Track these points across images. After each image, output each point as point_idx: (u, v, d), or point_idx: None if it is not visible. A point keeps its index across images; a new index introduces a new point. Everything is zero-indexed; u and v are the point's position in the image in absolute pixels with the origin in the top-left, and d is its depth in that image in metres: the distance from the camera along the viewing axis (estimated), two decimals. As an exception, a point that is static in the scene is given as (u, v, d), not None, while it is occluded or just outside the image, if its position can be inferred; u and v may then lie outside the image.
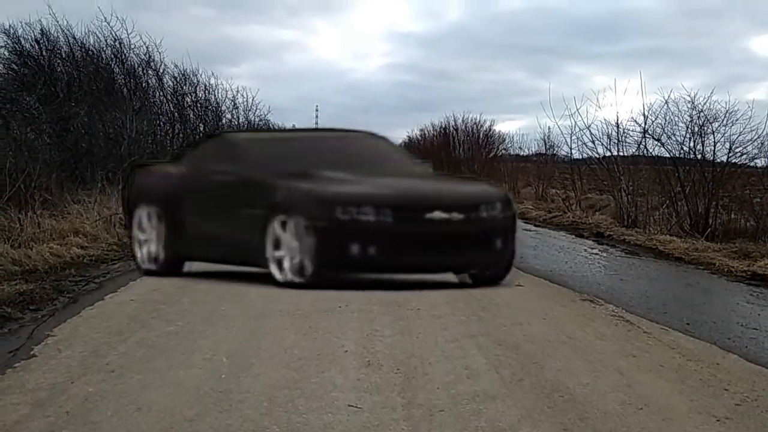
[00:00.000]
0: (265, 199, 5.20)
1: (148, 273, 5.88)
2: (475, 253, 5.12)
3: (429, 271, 5.32)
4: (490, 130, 25.34)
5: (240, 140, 6.51)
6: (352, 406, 2.66)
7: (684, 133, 11.28)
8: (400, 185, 5.39)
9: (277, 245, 5.07)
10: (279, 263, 5.10)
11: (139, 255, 6.07)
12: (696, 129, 11.12)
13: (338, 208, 4.90)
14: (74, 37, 12.75)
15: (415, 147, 34.47)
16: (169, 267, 5.87)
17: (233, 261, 5.65)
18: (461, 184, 6.47)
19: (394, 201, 5.01)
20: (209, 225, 5.60)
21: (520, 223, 6.87)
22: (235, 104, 18.43)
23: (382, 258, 4.94)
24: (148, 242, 5.99)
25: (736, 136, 10.70)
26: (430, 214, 4.91)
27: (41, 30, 12.33)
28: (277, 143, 6.35)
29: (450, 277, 5.37)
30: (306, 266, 4.96)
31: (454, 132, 26.49)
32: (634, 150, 12.57)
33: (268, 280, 5.14)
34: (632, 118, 12.67)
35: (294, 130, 6.83)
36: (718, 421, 2.52)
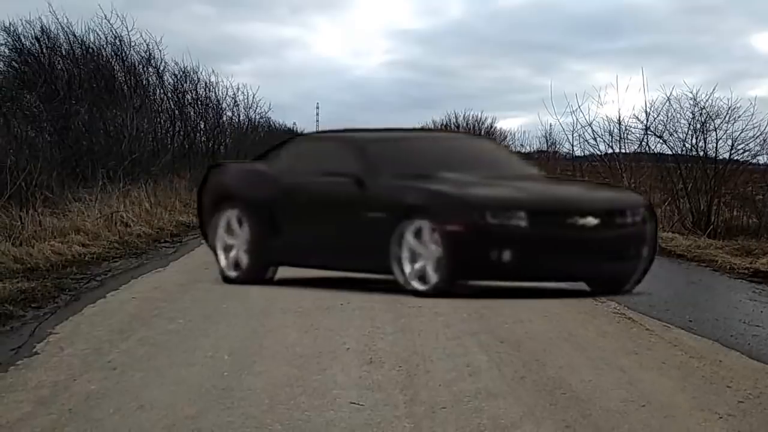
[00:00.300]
0: (393, 203, 4.84)
1: (230, 281, 5.40)
2: (621, 260, 4.81)
3: (574, 279, 4.97)
4: (491, 127, 25.34)
5: (353, 140, 5.91)
6: (353, 403, 2.65)
7: (686, 130, 11.27)
8: (540, 189, 5.13)
9: (408, 251, 4.71)
10: (411, 270, 4.73)
11: (223, 262, 5.51)
12: (698, 126, 11.11)
13: (488, 213, 4.60)
14: (74, 35, 12.77)
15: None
16: (254, 274, 5.38)
17: (341, 267, 5.27)
18: (602, 189, 6.04)
19: (542, 205, 4.78)
20: (315, 229, 5.20)
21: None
22: (235, 102, 18.42)
23: (524, 265, 4.65)
24: (234, 248, 5.46)
25: (739, 133, 10.69)
26: (582, 219, 4.64)
27: (41, 28, 12.36)
28: (391, 143, 5.78)
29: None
30: (445, 273, 4.61)
31: (456, 129, 26.46)
32: (636, 147, 12.55)
33: (388, 286, 4.80)
34: (634, 115, 12.64)
35: (399, 130, 6.30)
36: (720, 418, 2.51)
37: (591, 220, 4.66)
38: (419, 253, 4.67)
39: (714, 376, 3.01)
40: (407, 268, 4.73)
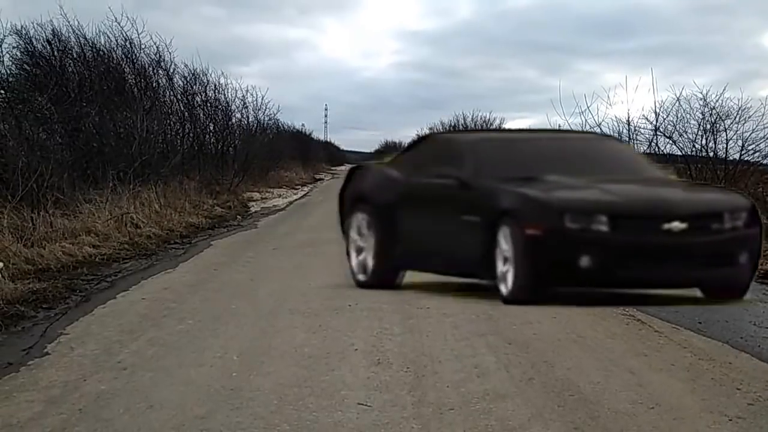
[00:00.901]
0: (487, 206, 4.74)
1: (362, 285, 5.32)
2: (713, 267, 4.55)
3: (658, 287, 4.77)
4: (500, 128, 25.26)
5: (461, 141, 5.88)
6: (361, 404, 2.66)
7: (696, 130, 11.19)
8: (634, 192, 4.84)
9: (499, 256, 4.58)
10: (501, 275, 4.59)
11: (354, 264, 5.49)
12: (708, 126, 11.03)
13: (567, 216, 4.42)
14: (85, 38, 12.84)
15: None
16: (381, 278, 5.29)
17: (454, 272, 5.15)
18: (701, 192, 5.66)
19: (625, 209, 4.54)
20: (428, 232, 5.14)
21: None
22: (244, 103, 18.49)
23: (610, 271, 4.45)
24: (363, 251, 5.40)
25: (749, 133, 10.61)
26: (668, 224, 4.40)
27: (53, 30, 12.42)
28: (501, 145, 5.71)
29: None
30: (528, 279, 4.46)
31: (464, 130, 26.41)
32: (645, 148, 12.48)
33: (494, 293, 4.65)
34: (643, 115, 12.57)
35: (518, 130, 6.13)
36: (730, 420, 2.50)
37: (677, 225, 4.41)
38: (508, 258, 4.55)
39: (724, 378, 3.00)
40: (497, 274, 4.62)
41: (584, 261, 4.40)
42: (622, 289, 4.76)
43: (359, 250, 5.45)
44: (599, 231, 4.40)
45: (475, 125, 25.95)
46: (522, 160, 5.20)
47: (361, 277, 5.40)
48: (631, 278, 4.55)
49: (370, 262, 5.34)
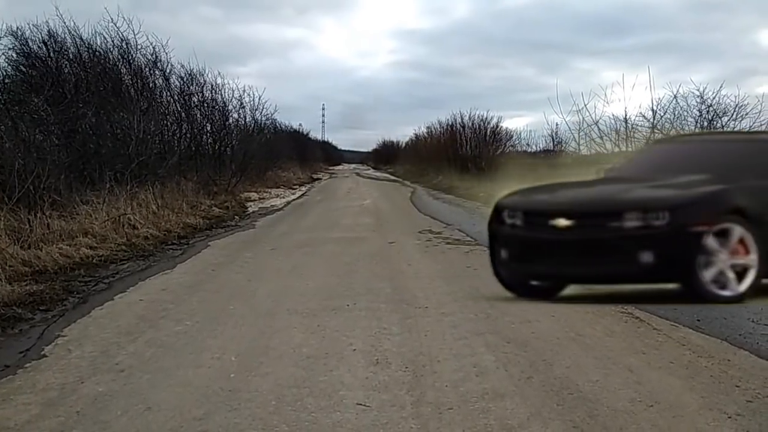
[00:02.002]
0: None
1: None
2: (609, 264, 4.56)
3: (566, 281, 4.99)
4: (497, 127, 25.28)
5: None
6: (360, 404, 2.66)
7: (693, 128, 11.22)
8: (575, 192, 5.20)
9: None
10: None
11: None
12: (705, 124, 11.06)
13: (504, 213, 4.96)
14: (81, 38, 12.81)
15: (422, 144, 34.52)
16: None
17: None
18: (642, 190, 5.06)
19: (530, 207, 4.95)
20: None
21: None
22: (241, 103, 18.48)
23: (519, 263, 4.92)
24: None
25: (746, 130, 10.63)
26: (553, 221, 4.67)
27: (48, 31, 12.39)
28: None
29: None
30: None
31: (461, 129, 26.44)
32: (642, 146, 12.50)
33: None
34: (641, 113, 12.62)
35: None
36: (729, 418, 2.50)
37: (562, 222, 4.64)
38: None
39: (722, 375, 2.99)
40: None
41: (502, 253, 5.02)
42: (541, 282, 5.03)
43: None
44: (514, 225, 4.96)
45: (472, 124, 25.93)
46: None
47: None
48: (533, 271, 4.93)
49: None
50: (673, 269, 4.49)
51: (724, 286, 4.50)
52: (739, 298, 4.48)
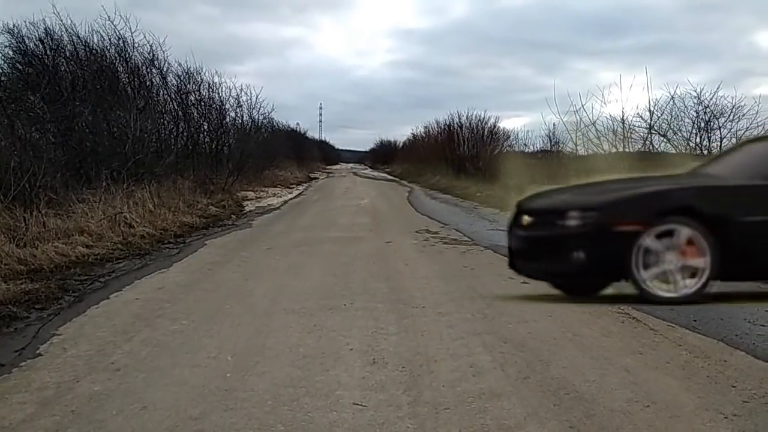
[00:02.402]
0: None
1: None
2: (551, 261, 4.69)
3: (530, 276, 5.14)
4: (494, 126, 25.29)
5: None
6: (357, 404, 2.65)
7: (690, 128, 11.25)
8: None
9: None
10: None
11: None
12: (702, 125, 11.09)
13: None
14: (78, 36, 12.77)
15: (420, 144, 34.52)
16: None
17: None
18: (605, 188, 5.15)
19: (525, 205, 5.09)
20: None
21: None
22: (239, 102, 18.46)
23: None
24: None
25: (743, 131, 10.68)
26: (521, 217, 4.93)
27: (45, 29, 12.35)
28: None
29: None
30: None
31: (458, 129, 26.44)
32: (639, 146, 12.54)
33: None
34: (638, 114, 12.65)
35: None
36: (725, 418, 2.50)
37: (525, 218, 4.89)
38: None
39: (719, 375, 3.00)
40: None
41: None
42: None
43: None
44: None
45: (470, 124, 25.94)
46: None
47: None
48: (512, 265, 5.09)
49: None
50: (604, 268, 4.55)
51: (669, 287, 4.45)
52: (686, 300, 4.40)
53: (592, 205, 4.63)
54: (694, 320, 4.04)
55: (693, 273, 4.45)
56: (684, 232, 4.45)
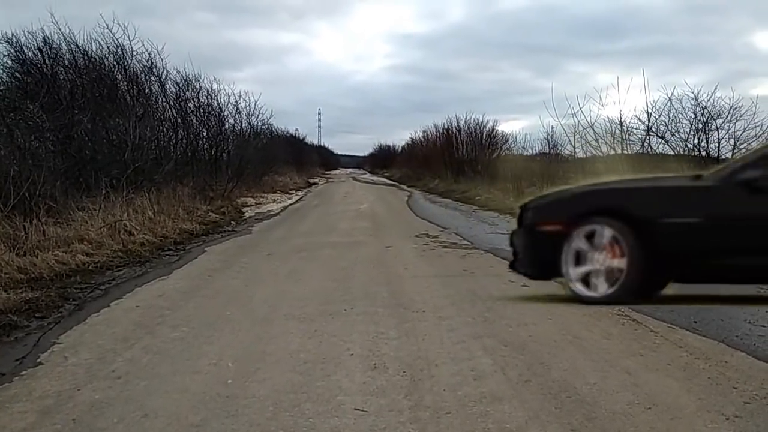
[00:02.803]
0: None
1: None
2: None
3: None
4: (493, 130, 25.34)
5: None
6: (358, 409, 2.65)
7: (688, 130, 11.27)
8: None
9: None
10: None
11: None
12: (700, 126, 11.11)
13: None
14: (77, 45, 12.80)
15: (418, 148, 34.55)
16: None
17: None
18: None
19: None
20: None
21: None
22: (237, 109, 18.49)
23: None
24: None
25: (741, 132, 10.70)
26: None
27: (44, 38, 12.37)
28: None
29: None
30: None
31: (457, 133, 26.49)
32: (638, 148, 12.56)
33: None
34: (635, 116, 12.66)
35: None
36: (727, 419, 2.50)
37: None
38: None
39: (720, 377, 3.00)
40: None
41: None
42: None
43: None
44: None
45: (468, 128, 25.99)
46: None
47: None
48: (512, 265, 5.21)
49: None
50: (540, 265, 4.85)
51: (591, 286, 4.58)
52: (607, 300, 4.47)
53: (528, 206, 5.03)
54: (695, 321, 4.04)
55: (618, 273, 4.50)
56: (606, 232, 4.53)
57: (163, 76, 15.13)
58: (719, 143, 10.99)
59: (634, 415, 2.55)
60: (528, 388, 2.86)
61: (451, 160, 25.51)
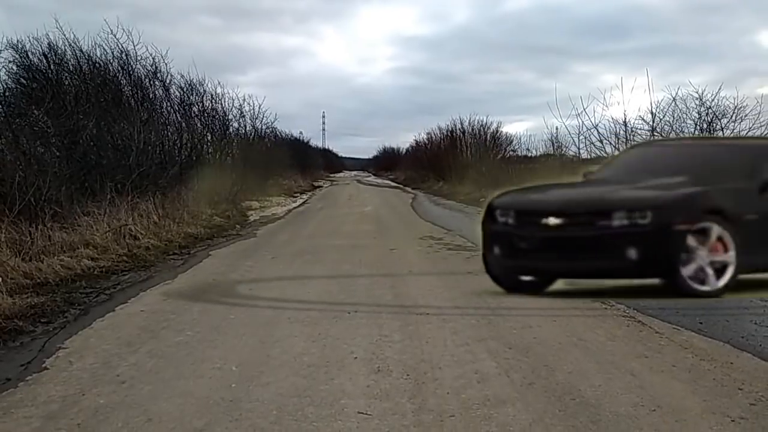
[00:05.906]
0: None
1: None
2: (598, 259, 4.86)
3: (558, 275, 5.34)
4: (497, 132, 25.31)
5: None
6: (362, 413, 2.65)
7: (693, 130, 11.22)
8: (562, 192, 5.59)
9: None
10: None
11: None
12: (705, 126, 11.06)
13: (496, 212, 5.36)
14: (81, 50, 12.83)
15: (423, 150, 34.54)
16: None
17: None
18: (630, 191, 5.29)
19: (522, 206, 5.31)
20: None
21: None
22: (242, 112, 18.53)
23: (510, 257, 5.23)
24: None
25: (746, 132, 10.64)
26: (545, 219, 5.02)
27: (48, 44, 12.42)
28: None
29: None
30: None
31: (461, 135, 26.47)
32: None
33: None
34: (640, 116, 12.63)
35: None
36: (732, 421, 2.48)
37: (552, 220, 4.99)
38: None
39: (725, 378, 2.98)
40: None
41: (495, 250, 5.30)
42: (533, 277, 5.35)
43: None
44: (506, 224, 5.26)
45: (472, 129, 25.98)
46: None
47: None
48: (524, 266, 5.22)
49: None
50: (657, 265, 4.81)
51: (703, 282, 4.80)
52: (717, 293, 4.77)
53: (647, 205, 4.84)
54: (700, 323, 4.02)
55: (721, 268, 4.82)
56: (716, 230, 4.83)
57: (168, 81, 15.16)
58: (724, 143, 10.92)
59: (639, 417, 2.54)
60: (532, 391, 2.86)
61: (455, 162, 25.49)
